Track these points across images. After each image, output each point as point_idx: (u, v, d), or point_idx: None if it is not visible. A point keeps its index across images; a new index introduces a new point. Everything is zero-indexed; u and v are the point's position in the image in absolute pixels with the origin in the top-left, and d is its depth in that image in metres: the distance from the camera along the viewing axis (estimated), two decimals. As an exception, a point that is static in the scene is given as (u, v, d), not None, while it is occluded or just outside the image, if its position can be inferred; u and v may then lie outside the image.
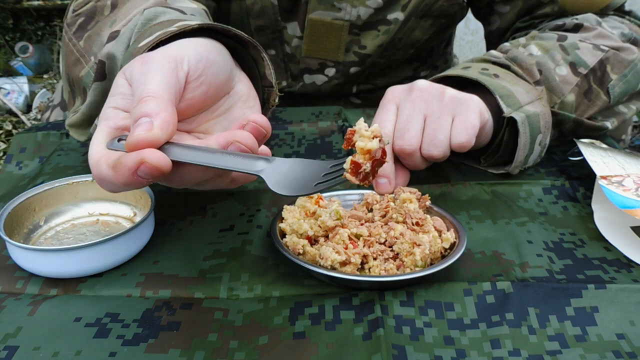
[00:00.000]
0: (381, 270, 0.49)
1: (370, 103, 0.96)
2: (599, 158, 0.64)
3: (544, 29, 0.79)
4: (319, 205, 0.55)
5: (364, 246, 0.51)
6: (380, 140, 0.45)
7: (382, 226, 0.52)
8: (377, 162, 0.45)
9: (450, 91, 0.60)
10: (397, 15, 0.84)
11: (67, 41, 0.65)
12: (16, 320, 0.46)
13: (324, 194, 0.58)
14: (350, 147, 0.47)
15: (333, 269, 0.48)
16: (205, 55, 0.47)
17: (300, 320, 0.46)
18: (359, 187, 0.64)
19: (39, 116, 2.43)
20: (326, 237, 0.52)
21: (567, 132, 0.71)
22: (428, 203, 0.56)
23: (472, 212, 0.61)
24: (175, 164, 0.41)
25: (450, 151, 0.59)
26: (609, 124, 0.73)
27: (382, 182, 0.59)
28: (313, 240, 0.52)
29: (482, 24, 0.93)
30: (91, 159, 0.42)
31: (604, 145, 0.70)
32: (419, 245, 0.49)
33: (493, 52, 0.72)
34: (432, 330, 0.45)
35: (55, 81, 2.81)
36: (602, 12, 0.80)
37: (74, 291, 0.50)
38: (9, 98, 2.50)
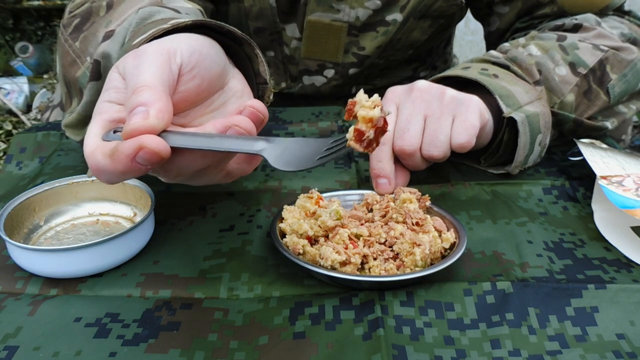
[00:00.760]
0: (381, 270, 0.49)
1: (370, 103, 0.96)
2: (599, 158, 0.64)
3: (544, 29, 0.79)
4: (319, 206, 0.55)
5: (364, 246, 0.51)
6: (381, 109, 0.45)
7: (382, 226, 0.52)
8: (380, 130, 0.45)
9: (451, 91, 0.60)
10: (396, 16, 0.84)
11: (62, 42, 0.65)
12: (16, 320, 0.46)
13: (324, 194, 0.58)
14: (351, 118, 0.46)
15: (333, 269, 0.48)
16: (198, 48, 0.47)
17: (300, 320, 0.46)
18: (358, 187, 0.64)
19: (39, 116, 2.43)
20: (326, 237, 0.52)
21: (567, 132, 0.71)
22: (428, 203, 0.56)
23: (472, 212, 0.61)
24: (174, 151, 0.41)
25: (451, 151, 0.59)
26: (609, 124, 0.73)
27: (382, 183, 0.59)
28: (313, 240, 0.52)
29: (481, 24, 0.93)
30: (86, 150, 0.41)
31: (604, 145, 0.70)
32: (419, 245, 0.49)
33: (493, 52, 0.72)
34: (432, 330, 0.45)
35: (55, 81, 2.82)
36: (602, 12, 0.80)
37: (74, 291, 0.50)
38: (9, 98, 2.50)
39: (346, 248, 0.49)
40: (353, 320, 0.46)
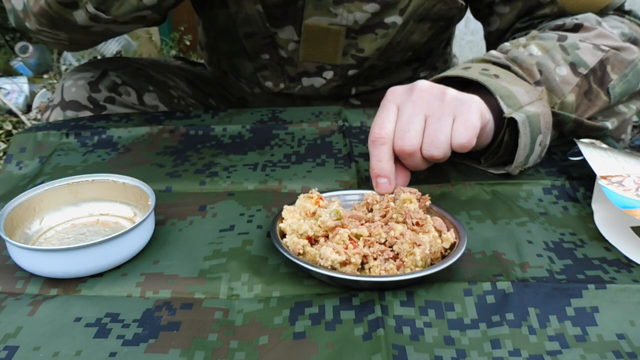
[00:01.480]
0: (381, 271, 0.49)
1: (369, 104, 0.96)
2: (599, 158, 0.64)
3: (544, 29, 0.78)
4: (319, 206, 0.55)
5: (364, 246, 0.51)
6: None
7: (382, 226, 0.52)
8: None
9: (451, 91, 0.60)
10: (395, 19, 0.83)
11: None
12: (16, 320, 0.46)
13: (324, 194, 0.58)
14: None
15: (333, 269, 0.48)
16: None
17: (301, 321, 0.46)
18: (359, 187, 0.64)
19: (39, 116, 2.43)
20: (326, 237, 0.52)
21: (567, 132, 0.71)
22: (428, 203, 0.56)
23: (472, 212, 0.61)
24: None
25: (451, 151, 0.59)
26: (609, 124, 0.73)
27: (382, 182, 0.59)
28: (313, 241, 0.52)
29: (481, 24, 0.92)
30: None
31: (604, 145, 0.70)
32: (419, 245, 0.49)
33: (493, 52, 0.72)
34: (432, 330, 0.45)
35: (55, 81, 2.81)
36: (602, 12, 0.79)
37: (74, 291, 0.50)
38: (9, 98, 2.50)
39: (346, 248, 0.49)
40: (353, 320, 0.46)
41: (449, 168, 0.69)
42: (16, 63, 2.90)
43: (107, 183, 0.59)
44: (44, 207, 0.58)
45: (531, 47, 0.71)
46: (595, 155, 0.65)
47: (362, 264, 0.50)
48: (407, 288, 0.49)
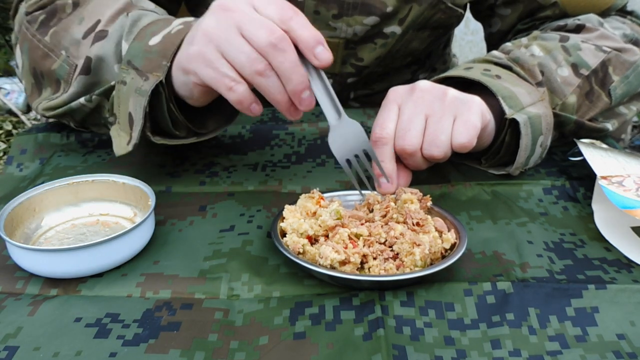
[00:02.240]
0: (381, 270, 0.49)
1: (369, 105, 0.96)
2: (599, 158, 0.64)
3: (546, 30, 0.78)
4: (320, 206, 0.55)
5: (363, 246, 0.51)
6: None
7: (382, 226, 0.52)
8: None
9: (452, 92, 0.60)
10: (394, 29, 0.83)
11: (30, 37, 0.70)
12: (16, 320, 0.46)
13: (325, 194, 0.58)
14: None
15: (332, 268, 0.48)
16: None
17: (301, 321, 0.46)
18: (359, 186, 0.64)
19: (38, 116, 2.43)
20: (326, 236, 0.52)
21: (568, 133, 0.71)
22: (429, 204, 0.56)
23: (472, 213, 0.61)
24: None
25: (452, 151, 0.59)
26: (610, 126, 0.73)
27: (384, 182, 0.59)
28: (313, 240, 0.52)
29: (482, 25, 0.92)
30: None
31: (604, 146, 0.70)
32: (419, 245, 0.49)
33: (495, 52, 0.72)
34: (433, 330, 0.45)
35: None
36: (604, 14, 0.79)
37: (74, 291, 0.50)
38: (9, 98, 2.50)
39: (346, 247, 0.49)
40: (353, 320, 0.46)
41: (449, 168, 0.69)
42: (15, 64, 2.89)
43: (107, 183, 0.59)
44: (44, 207, 0.58)
45: (533, 48, 0.70)
46: (596, 156, 0.65)
47: (362, 263, 0.50)
48: (407, 288, 0.49)
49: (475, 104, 0.59)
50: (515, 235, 0.57)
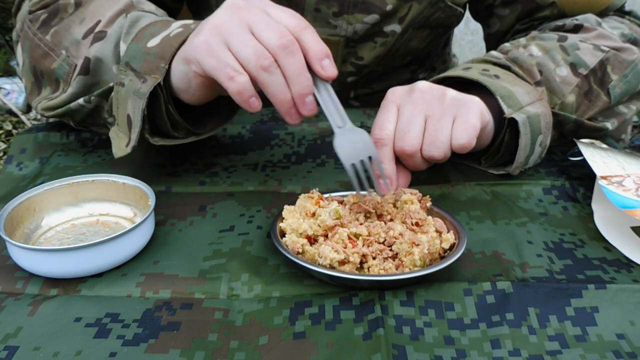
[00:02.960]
0: (380, 270, 0.49)
1: (369, 105, 0.96)
2: (599, 158, 0.64)
3: (544, 30, 0.78)
4: (319, 206, 0.55)
5: (363, 246, 0.51)
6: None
7: (381, 226, 0.52)
8: None
9: (451, 92, 0.60)
10: (394, 27, 0.83)
11: (31, 36, 0.70)
12: (16, 320, 0.46)
13: (325, 195, 0.58)
14: None
15: (332, 267, 0.48)
16: None
17: (301, 320, 0.46)
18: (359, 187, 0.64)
19: (38, 116, 2.43)
20: (325, 236, 0.52)
21: (567, 132, 0.71)
22: (429, 204, 0.56)
23: (472, 213, 0.61)
24: None
25: (451, 152, 0.59)
26: (609, 125, 0.73)
27: (383, 183, 0.58)
28: (312, 240, 0.52)
29: (481, 25, 0.92)
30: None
31: (604, 146, 0.70)
32: (418, 245, 0.49)
33: (493, 52, 0.72)
34: (432, 330, 0.45)
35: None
36: (602, 14, 0.79)
37: (74, 291, 0.50)
38: (9, 98, 2.50)
39: (345, 247, 0.49)
40: (353, 320, 0.46)
41: (449, 168, 0.69)
42: (16, 63, 2.89)
43: (107, 183, 0.59)
44: (44, 207, 0.58)
45: (531, 48, 0.71)
46: (595, 156, 0.65)
47: (361, 263, 0.50)
48: (407, 288, 0.49)
49: (475, 104, 0.59)
50: (515, 235, 0.57)
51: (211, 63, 0.53)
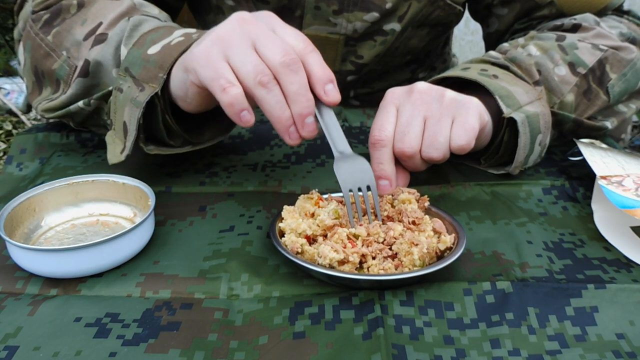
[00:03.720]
0: (380, 270, 0.49)
1: (369, 104, 0.96)
2: (598, 158, 0.64)
3: (543, 29, 0.79)
4: (318, 206, 0.55)
5: (362, 246, 0.51)
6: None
7: (380, 225, 0.52)
8: None
9: (450, 93, 0.60)
10: (394, 26, 0.83)
11: (33, 36, 0.69)
12: (16, 320, 0.46)
13: (324, 196, 0.58)
14: None
15: (331, 267, 0.48)
16: None
17: (300, 320, 0.46)
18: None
19: (38, 116, 2.43)
20: (325, 236, 0.52)
21: (567, 132, 0.71)
22: (427, 204, 0.56)
23: (471, 213, 0.61)
24: None
25: (450, 153, 0.59)
26: (609, 124, 0.73)
27: (383, 184, 0.59)
28: (312, 240, 0.52)
29: (480, 25, 0.92)
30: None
31: (604, 145, 0.70)
32: (417, 245, 0.49)
33: (492, 52, 0.72)
34: (432, 329, 0.45)
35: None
36: (601, 13, 0.80)
37: (74, 291, 0.50)
38: (9, 98, 2.50)
39: (344, 247, 0.49)
40: (353, 319, 0.46)
41: (448, 169, 0.69)
42: (16, 63, 2.90)
43: (107, 183, 0.59)
44: (44, 207, 0.58)
45: (530, 48, 0.71)
46: (595, 155, 0.65)
47: (361, 263, 0.50)
48: (407, 287, 0.49)
49: (473, 105, 0.59)
50: (514, 235, 0.57)
51: (207, 73, 0.52)
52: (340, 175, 0.54)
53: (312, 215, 0.54)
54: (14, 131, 2.33)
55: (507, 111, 0.62)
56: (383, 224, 0.53)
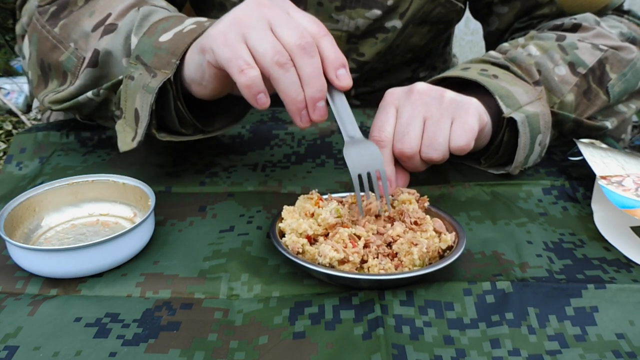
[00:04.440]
0: (380, 270, 0.49)
1: (369, 104, 0.96)
2: (598, 158, 0.64)
3: (543, 29, 0.79)
4: (318, 207, 0.55)
5: (364, 247, 0.51)
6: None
7: (384, 219, 0.52)
8: None
9: (450, 94, 0.60)
10: (395, 23, 0.83)
11: (39, 28, 0.69)
12: (16, 320, 0.46)
13: (324, 195, 0.58)
14: None
15: (331, 267, 0.48)
16: None
17: (300, 320, 0.46)
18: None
19: (39, 116, 2.43)
20: (325, 236, 0.52)
21: (567, 132, 0.71)
22: (426, 204, 0.56)
23: (471, 213, 0.61)
24: None
25: (450, 154, 0.59)
26: (609, 124, 0.73)
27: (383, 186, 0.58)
28: (312, 240, 0.52)
29: (480, 24, 0.93)
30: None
31: (604, 145, 0.70)
32: (416, 244, 0.49)
33: (492, 52, 0.72)
34: (432, 329, 0.45)
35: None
36: (601, 12, 0.80)
37: (74, 291, 0.50)
38: (9, 98, 2.50)
39: (345, 247, 0.49)
40: (353, 319, 0.46)
41: (448, 169, 0.69)
42: (16, 63, 2.89)
43: (107, 183, 0.59)
44: (44, 207, 0.58)
45: (530, 47, 0.71)
46: (595, 156, 0.65)
47: (361, 263, 0.50)
48: (407, 287, 0.49)
49: (473, 106, 0.59)
50: (514, 235, 0.57)
51: (225, 53, 0.52)
52: (350, 159, 0.54)
53: (312, 215, 0.54)
54: (14, 131, 2.33)
55: (507, 111, 0.62)
56: (384, 227, 0.53)
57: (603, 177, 0.60)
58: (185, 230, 0.58)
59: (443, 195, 0.64)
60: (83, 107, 0.67)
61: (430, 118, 0.59)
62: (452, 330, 0.45)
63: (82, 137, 0.76)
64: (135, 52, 0.60)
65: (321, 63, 0.52)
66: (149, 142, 0.61)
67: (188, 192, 0.65)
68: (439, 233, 0.53)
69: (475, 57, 0.74)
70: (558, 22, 0.78)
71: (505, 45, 0.73)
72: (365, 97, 0.97)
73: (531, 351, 0.43)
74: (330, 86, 0.54)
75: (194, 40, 0.57)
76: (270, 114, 0.83)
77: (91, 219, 0.59)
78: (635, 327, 0.45)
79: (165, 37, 0.59)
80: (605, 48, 0.71)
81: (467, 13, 0.94)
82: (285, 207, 0.55)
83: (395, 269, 0.49)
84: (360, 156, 0.54)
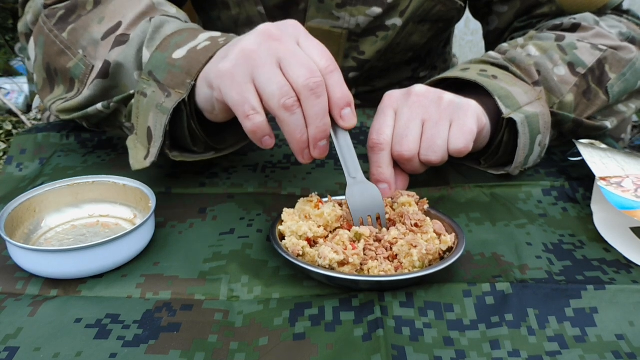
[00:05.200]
0: (380, 272, 0.49)
1: (369, 104, 0.96)
2: (598, 159, 0.64)
3: (542, 29, 0.79)
4: (318, 209, 0.55)
5: (364, 249, 0.51)
6: None
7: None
8: None
9: (448, 96, 0.60)
10: (396, 21, 0.83)
11: (47, 32, 0.68)
12: (16, 321, 0.47)
13: (323, 198, 0.58)
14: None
15: (331, 268, 0.48)
16: None
17: (300, 322, 0.46)
18: None
19: (39, 116, 2.43)
20: (326, 237, 0.52)
21: (566, 132, 0.71)
22: (426, 207, 0.56)
23: (471, 215, 0.61)
24: None
25: (448, 156, 0.59)
26: (609, 124, 0.73)
27: (382, 188, 0.59)
28: (312, 242, 0.52)
29: (480, 23, 0.93)
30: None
31: (604, 146, 0.70)
32: (416, 246, 0.49)
33: (491, 53, 0.72)
34: (432, 331, 0.45)
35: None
36: (600, 12, 0.80)
37: (74, 292, 0.50)
38: (9, 98, 2.50)
39: (345, 249, 0.49)
40: (353, 321, 0.46)
41: (448, 170, 0.69)
42: (16, 63, 2.89)
43: (107, 184, 0.59)
44: (45, 208, 0.58)
45: (529, 48, 0.71)
46: (595, 157, 0.65)
47: (361, 264, 0.50)
48: (407, 289, 0.49)
49: (471, 108, 0.60)
50: (514, 237, 0.57)
51: (232, 97, 0.52)
52: (352, 202, 0.55)
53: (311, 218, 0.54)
54: (14, 131, 2.33)
55: (506, 112, 0.62)
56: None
57: (602, 178, 0.60)
58: (185, 232, 0.58)
59: (443, 197, 0.64)
60: (92, 117, 0.66)
61: (428, 120, 0.59)
62: (452, 331, 0.45)
63: (83, 138, 0.76)
64: (148, 67, 0.59)
65: (327, 100, 0.52)
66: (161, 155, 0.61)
67: (188, 193, 0.65)
68: (439, 235, 0.53)
69: (475, 57, 0.74)
70: (557, 21, 0.78)
71: (505, 45, 0.74)
72: (366, 96, 0.97)
73: (531, 352, 0.43)
74: (335, 124, 0.54)
75: (210, 59, 0.56)
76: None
77: (91, 220, 0.59)
78: (635, 328, 0.45)
79: (178, 54, 0.57)
80: (605, 48, 0.71)
81: (467, 13, 0.94)
82: (285, 209, 0.55)
83: (395, 271, 0.49)
84: (361, 198, 0.55)
